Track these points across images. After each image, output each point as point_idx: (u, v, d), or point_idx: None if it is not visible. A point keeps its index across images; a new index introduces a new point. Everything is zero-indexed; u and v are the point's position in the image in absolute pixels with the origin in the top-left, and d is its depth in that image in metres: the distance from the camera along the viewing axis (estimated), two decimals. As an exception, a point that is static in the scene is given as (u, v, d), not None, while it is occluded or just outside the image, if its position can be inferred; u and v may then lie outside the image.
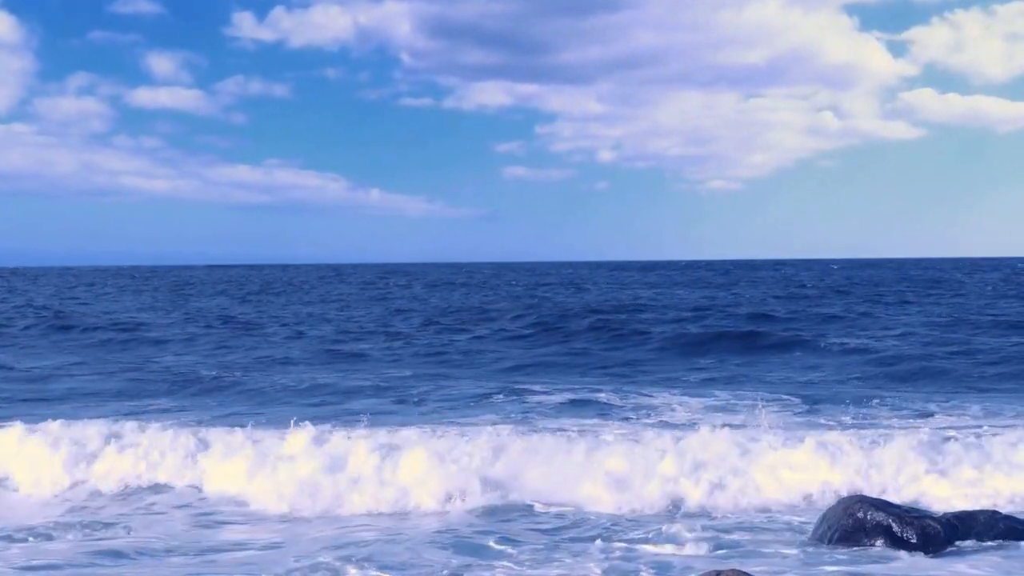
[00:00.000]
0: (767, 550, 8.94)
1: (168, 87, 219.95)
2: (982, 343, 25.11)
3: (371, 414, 14.41)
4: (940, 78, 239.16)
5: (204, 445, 12.37)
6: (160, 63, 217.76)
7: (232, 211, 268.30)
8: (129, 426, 13.34)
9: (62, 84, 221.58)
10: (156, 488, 11.79)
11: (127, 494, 11.66)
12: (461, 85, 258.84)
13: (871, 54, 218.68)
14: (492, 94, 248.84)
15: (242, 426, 13.29)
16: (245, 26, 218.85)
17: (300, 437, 11.90)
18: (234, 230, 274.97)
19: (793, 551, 8.85)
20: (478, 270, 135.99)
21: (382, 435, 12.39)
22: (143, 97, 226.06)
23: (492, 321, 36.44)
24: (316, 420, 13.39)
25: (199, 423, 14.64)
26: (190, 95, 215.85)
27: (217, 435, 12.72)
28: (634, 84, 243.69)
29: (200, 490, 11.59)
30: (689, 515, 10.08)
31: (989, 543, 8.35)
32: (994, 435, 11.88)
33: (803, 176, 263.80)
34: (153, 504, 11.29)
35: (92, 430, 12.87)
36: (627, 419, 15.56)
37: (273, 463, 11.30)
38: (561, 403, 17.40)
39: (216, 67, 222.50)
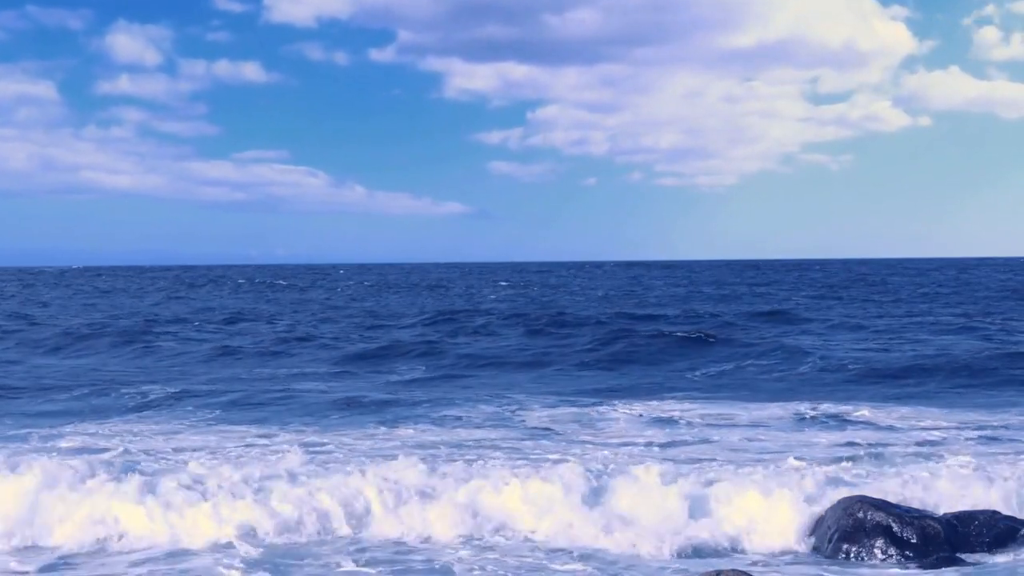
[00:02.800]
0: (765, 551, 8.91)
1: (131, 73, 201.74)
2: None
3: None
4: (950, 59, 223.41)
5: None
6: (124, 44, 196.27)
7: (204, 208, 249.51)
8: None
9: (12, 68, 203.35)
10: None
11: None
12: (448, 71, 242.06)
13: (876, 32, 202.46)
14: (480, 80, 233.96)
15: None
16: (219, 1, 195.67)
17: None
18: (207, 228, 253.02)
19: (792, 552, 8.83)
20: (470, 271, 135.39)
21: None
22: (105, 85, 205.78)
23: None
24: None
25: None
26: (156, 80, 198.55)
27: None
28: (627, 65, 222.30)
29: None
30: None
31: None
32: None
33: (806, 170, 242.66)
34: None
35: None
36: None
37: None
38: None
39: (186, 49, 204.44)
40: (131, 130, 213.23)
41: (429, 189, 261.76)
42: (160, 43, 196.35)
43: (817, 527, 8.93)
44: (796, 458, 11.46)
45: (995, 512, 8.67)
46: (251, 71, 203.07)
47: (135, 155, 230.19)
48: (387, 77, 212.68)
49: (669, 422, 15.45)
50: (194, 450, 12.95)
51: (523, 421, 15.56)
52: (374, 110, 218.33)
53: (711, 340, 26.51)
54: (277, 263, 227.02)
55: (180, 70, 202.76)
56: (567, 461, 11.09)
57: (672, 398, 17.98)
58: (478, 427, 15.08)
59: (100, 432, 14.73)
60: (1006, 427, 14.41)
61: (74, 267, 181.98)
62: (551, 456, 12.21)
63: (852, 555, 8.47)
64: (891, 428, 14.66)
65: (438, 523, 9.43)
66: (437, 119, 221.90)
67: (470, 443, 13.58)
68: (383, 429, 14.93)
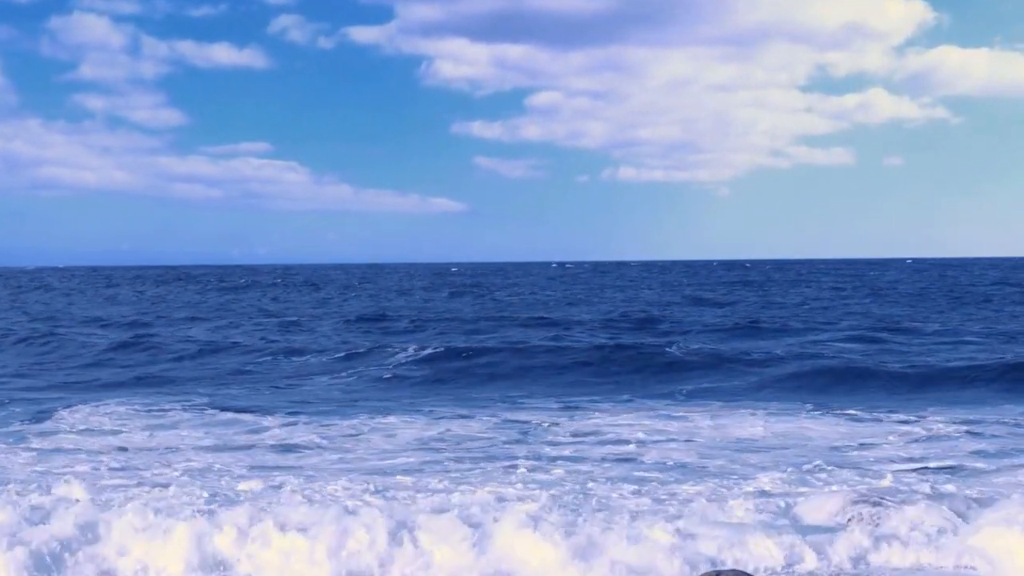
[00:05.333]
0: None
1: (93, 56, 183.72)
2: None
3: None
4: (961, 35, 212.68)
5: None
6: (82, 23, 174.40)
7: (181, 205, 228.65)
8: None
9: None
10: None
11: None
12: (438, 54, 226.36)
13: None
14: (472, 67, 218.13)
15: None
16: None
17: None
18: (186, 227, 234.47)
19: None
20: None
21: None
22: (66, 71, 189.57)
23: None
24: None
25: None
26: (122, 65, 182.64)
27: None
28: (620, 47, 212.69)
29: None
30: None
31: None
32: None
33: (812, 162, 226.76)
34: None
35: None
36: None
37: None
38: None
39: (156, 30, 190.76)
40: (96, 122, 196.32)
41: (416, 185, 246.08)
42: (125, 22, 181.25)
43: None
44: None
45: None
46: (225, 55, 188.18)
47: (100, 148, 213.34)
48: (373, 62, 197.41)
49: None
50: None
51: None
52: (358, 99, 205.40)
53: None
54: (259, 263, 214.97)
55: (149, 53, 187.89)
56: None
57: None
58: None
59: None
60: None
61: (50, 267, 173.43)
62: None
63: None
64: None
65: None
66: (425, 109, 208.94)
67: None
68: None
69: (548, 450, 13.30)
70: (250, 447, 13.76)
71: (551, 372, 22.65)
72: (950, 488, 10.24)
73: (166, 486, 10.73)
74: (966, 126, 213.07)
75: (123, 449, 13.53)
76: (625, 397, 18.83)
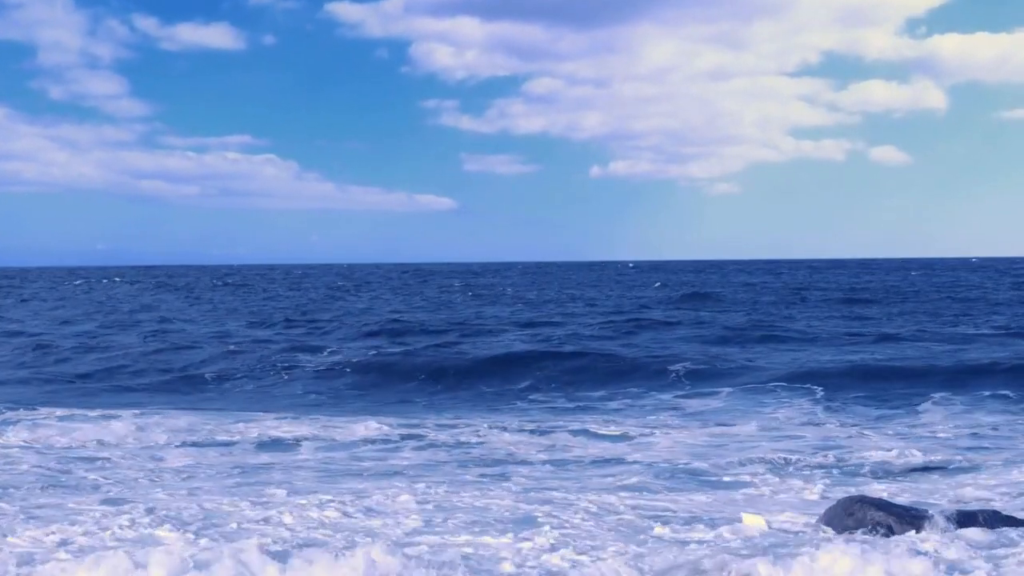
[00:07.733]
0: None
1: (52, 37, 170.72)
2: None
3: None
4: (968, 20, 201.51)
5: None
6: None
7: (152, 203, 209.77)
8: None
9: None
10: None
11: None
12: (427, 35, 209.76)
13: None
14: (462, 55, 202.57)
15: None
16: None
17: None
18: (158, 226, 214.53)
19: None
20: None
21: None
22: (25, 58, 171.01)
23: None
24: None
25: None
26: (88, 51, 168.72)
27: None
28: (617, 29, 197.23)
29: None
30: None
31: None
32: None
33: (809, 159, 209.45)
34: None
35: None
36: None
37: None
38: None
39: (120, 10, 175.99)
40: (61, 114, 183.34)
41: (404, 182, 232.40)
42: (89, 3, 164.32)
43: (816, 529, 8.76)
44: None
45: (996, 512, 8.55)
46: (193, 35, 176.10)
47: (65, 142, 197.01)
48: (359, 49, 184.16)
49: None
50: None
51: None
52: (342, 90, 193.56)
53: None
54: (241, 263, 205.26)
55: (117, 37, 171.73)
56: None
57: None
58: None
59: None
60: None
61: (23, 267, 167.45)
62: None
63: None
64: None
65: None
66: (410, 99, 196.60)
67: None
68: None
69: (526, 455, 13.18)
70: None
71: (541, 372, 22.45)
72: (946, 494, 10.11)
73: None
74: (968, 118, 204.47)
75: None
76: (619, 396, 18.84)
